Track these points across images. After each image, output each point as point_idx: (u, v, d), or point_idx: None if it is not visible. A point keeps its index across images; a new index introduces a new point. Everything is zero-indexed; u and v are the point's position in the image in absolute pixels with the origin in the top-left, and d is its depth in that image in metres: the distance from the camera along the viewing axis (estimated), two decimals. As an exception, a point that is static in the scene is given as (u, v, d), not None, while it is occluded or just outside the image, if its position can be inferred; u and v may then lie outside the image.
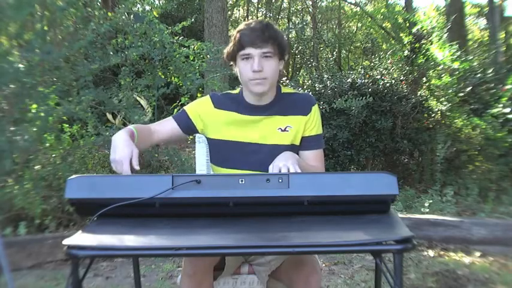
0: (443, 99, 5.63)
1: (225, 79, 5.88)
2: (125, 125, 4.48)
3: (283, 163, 1.48)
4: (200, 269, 1.56)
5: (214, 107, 1.74)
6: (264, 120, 1.71)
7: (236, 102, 1.75)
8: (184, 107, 1.80)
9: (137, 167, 1.46)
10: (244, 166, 1.68)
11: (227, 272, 1.69)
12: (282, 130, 1.69)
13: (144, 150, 1.58)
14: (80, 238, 1.17)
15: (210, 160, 1.80)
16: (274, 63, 1.64)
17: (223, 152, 1.73)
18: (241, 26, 1.66)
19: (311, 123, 1.72)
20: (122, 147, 1.47)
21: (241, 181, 1.30)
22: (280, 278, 1.71)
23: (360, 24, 15.03)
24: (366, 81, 5.80)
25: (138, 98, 4.54)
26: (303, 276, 1.58)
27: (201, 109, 1.76)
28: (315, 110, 1.74)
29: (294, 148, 1.70)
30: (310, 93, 5.72)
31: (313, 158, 1.73)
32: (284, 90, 1.77)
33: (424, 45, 5.96)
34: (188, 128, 1.77)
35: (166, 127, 1.76)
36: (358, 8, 14.59)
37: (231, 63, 1.71)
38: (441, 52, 5.80)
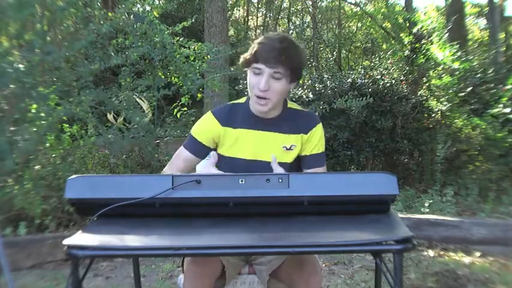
0: (443, 99, 5.63)
1: (225, 79, 5.88)
2: (124, 125, 4.49)
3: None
4: (202, 272, 1.55)
5: (222, 125, 1.73)
6: (271, 137, 1.72)
7: (242, 115, 1.74)
8: (192, 132, 1.78)
9: None
10: None
11: (229, 279, 1.69)
12: (287, 149, 1.72)
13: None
14: (80, 238, 1.17)
15: None
16: (282, 84, 1.62)
17: (232, 169, 1.70)
18: (263, 39, 1.65)
19: (313, 142, 1.74)
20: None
21: (241, 181, 1.30)
22: (281, 278, 1.71)
23: (360, 24, 15.01)
24: (366, 81, 5.80)
25: (138, 100, 4.54)
26: (304, 276, 1.58)
27: (209, 130, 1.74)
28: (318, 129, 1.74)
29: (295, 163, 1.74)
30: (310, 93, 5.72)
31: None
32: (290, 105, 1.78)
33: (424, 45, 5.96)
34: (205, 153, 1.77)
35: (188, 163, 1.77)
36: (358, 8, 14.58)
37: (245, 69, 1.70)
38: (441, 52, 5.81)
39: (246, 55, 1.67)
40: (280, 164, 1.68)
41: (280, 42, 1.60)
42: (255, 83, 1.62)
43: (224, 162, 1.73)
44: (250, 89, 1.66)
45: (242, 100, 1.80)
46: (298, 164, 1.77)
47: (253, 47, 1.63)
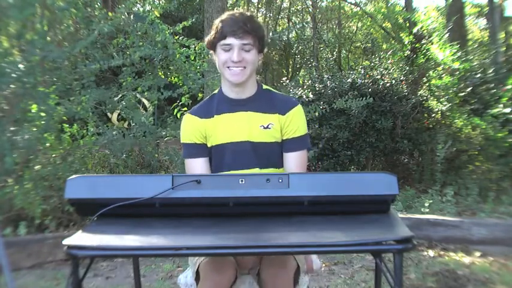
0: (443, 99, 5.63)
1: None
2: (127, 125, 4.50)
3: None
4: (222, 280, 1.55)
5: (201, 118, 1.75)
6: (247, 117, 1.72)
7: (217, 103, 1.76)
8: (182, 141, 1.78)
9: None
10: (237, 167, 1.69)
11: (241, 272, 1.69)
12: (264, 127, 1.72)
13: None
14: (80, 238, 1.17)
15: (211, 169, 1.79)
16: (253, 54, 1.67)
17: (219, 156, 1.74)
18: (224, 16, 1.69)
19: (293, 126, 1.73)
20: None
21: (241, 181, 1.30)
22: (260, 278, 1.70)
23: (360, 24, 15.02)
24: (366, 81, 5.80)
25: (136, 100, 4.54)
26: (272, 271, 1.58)
27: (193, 128, 1.75)
28: (295, 112, 1.74)
29: (277, 145, 1.73)
30: (310, 93, 5.72)
31: (294, 159, 1.74)
32: (266, 87, 1.80)
33: (424, 45, 5.96)
34: (206, 151, 1.75)
35: (203, 169, 1.74)
36: (358, 8, 14.58)
37: (211, 51, 1.74)
38: (442, 52, 5.80)
39: (211, 35, 1.69)
40: (259, 144, 1.70)
41: (241, 15, 1.66)
42: (227, 58, 1.65)
43: (214, 153, 1.75)
44: (222, 66, 1.68)
45: (215, 91, 1.81)
46: (281, 150, 1.75)
47: (216, 26, 1.67)
